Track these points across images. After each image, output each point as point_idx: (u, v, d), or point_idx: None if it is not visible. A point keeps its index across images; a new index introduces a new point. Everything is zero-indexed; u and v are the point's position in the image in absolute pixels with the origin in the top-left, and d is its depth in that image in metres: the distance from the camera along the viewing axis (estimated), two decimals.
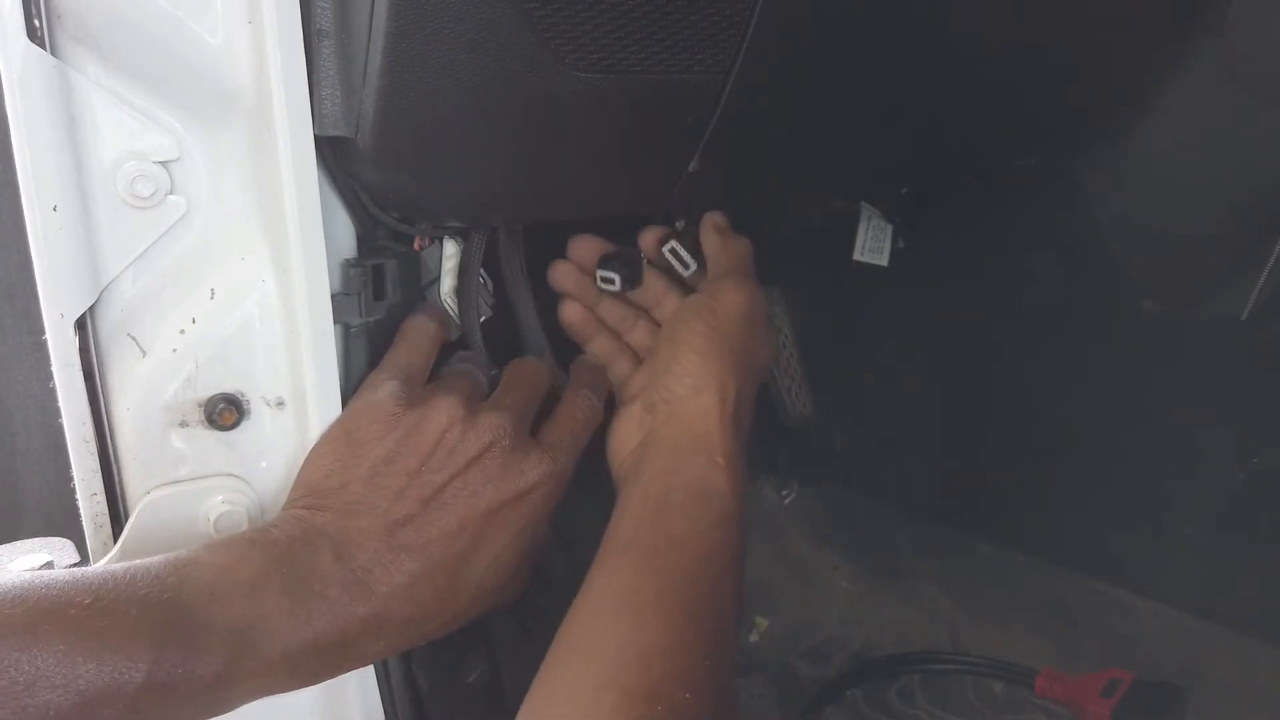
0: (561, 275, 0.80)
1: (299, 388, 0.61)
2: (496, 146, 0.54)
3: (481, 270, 0.72)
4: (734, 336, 0.73)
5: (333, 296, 0.63)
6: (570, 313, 0.80)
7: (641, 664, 0.54)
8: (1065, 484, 0.99)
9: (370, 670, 0.66)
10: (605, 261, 0.78)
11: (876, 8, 0.63)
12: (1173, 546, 0.93)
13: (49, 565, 0.54)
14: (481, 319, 0.73)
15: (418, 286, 0.70)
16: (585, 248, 0.80)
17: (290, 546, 0.55)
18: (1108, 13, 0.74)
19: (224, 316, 0.58)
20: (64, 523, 0.58)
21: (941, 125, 0.78)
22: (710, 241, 0.80)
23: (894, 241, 1.03)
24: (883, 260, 1.04)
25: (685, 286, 0.81)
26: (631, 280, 0.78)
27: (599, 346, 0.81)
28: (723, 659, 0.57)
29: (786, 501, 1.19)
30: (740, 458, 0.69)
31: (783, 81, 0.65)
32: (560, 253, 0.80)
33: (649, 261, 0.80)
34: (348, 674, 0.65)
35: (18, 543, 0.56)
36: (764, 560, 1.12)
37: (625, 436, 0.73)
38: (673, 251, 0.79)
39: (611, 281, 0.77)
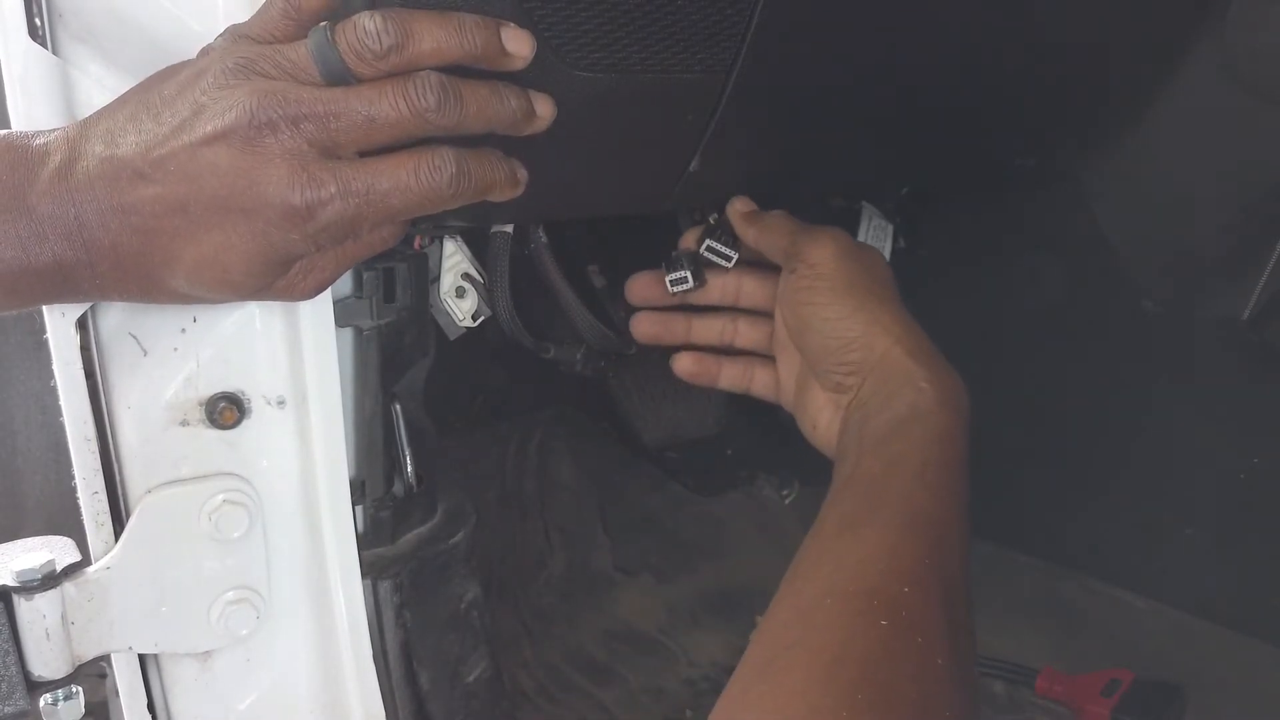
0: (648, 324, 0.81)
1: (300, 387, 0.61)
2: (497, 146, 0.54)
3: (477, 269, 0.72)
4: (853, 278, 0.72)
5: (344, 300, 0.63)
6: (687, 366, 0.82)
7: (858, 570, 0.56)
8: (1065, 484, 0.99)
9: (370, 668, 0.66)
10: (673, 264, 0.79)
11: (877, 8, 0.63)
12: (1173, 546, 0.93)
13: (50, 564, 0.54)
14: (479, 320, 0.73)
15: (426, 289, 0.70)
16: (644, 284, 0.81)
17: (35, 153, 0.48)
18: (1107, 14, 0.74)
19: (225, 315, 0.58)
20: (65, 521, 0.58)
21: (942, 126, 0.78)
22: (747, 233, 0.78)
23: (894, 241, 1.03)
24: None
25: (749, 269, 0.81)
26: (699, 276, 0.79)
27: (730, 379, 0.82)
28: (946, 561, 0.57)
29: (787, 501, 1.19)
30: (945, 373, 0.69)
31: (783, 81, 0.65)
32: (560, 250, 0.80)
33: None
34: (347, 672, 0.65)
35: (19, 541, 0.56)
36: (765, 560, 1.12)
37: (827, 422, 0.73)
38: (710, 249, 0.79)
39: (685, 280, 0.79)
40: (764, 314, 0.81)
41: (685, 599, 1.08)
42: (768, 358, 0.81)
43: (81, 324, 0.55)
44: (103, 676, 0.61)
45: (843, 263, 0.72)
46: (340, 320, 0.62)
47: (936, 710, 0.51)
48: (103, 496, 0.57)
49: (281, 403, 0.61)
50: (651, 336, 0.82)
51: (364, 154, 0.50)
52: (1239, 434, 0.88)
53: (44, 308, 0.54)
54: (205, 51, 0.51)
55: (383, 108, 0.48)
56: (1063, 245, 0.96)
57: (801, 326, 0.74)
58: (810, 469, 1.18)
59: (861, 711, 0.48)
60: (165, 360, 0.58)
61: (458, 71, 0.49)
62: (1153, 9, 0.77)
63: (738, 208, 0.79)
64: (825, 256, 0.72)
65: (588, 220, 0.87)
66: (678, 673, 1.00)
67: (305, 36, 0.49)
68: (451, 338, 0.74)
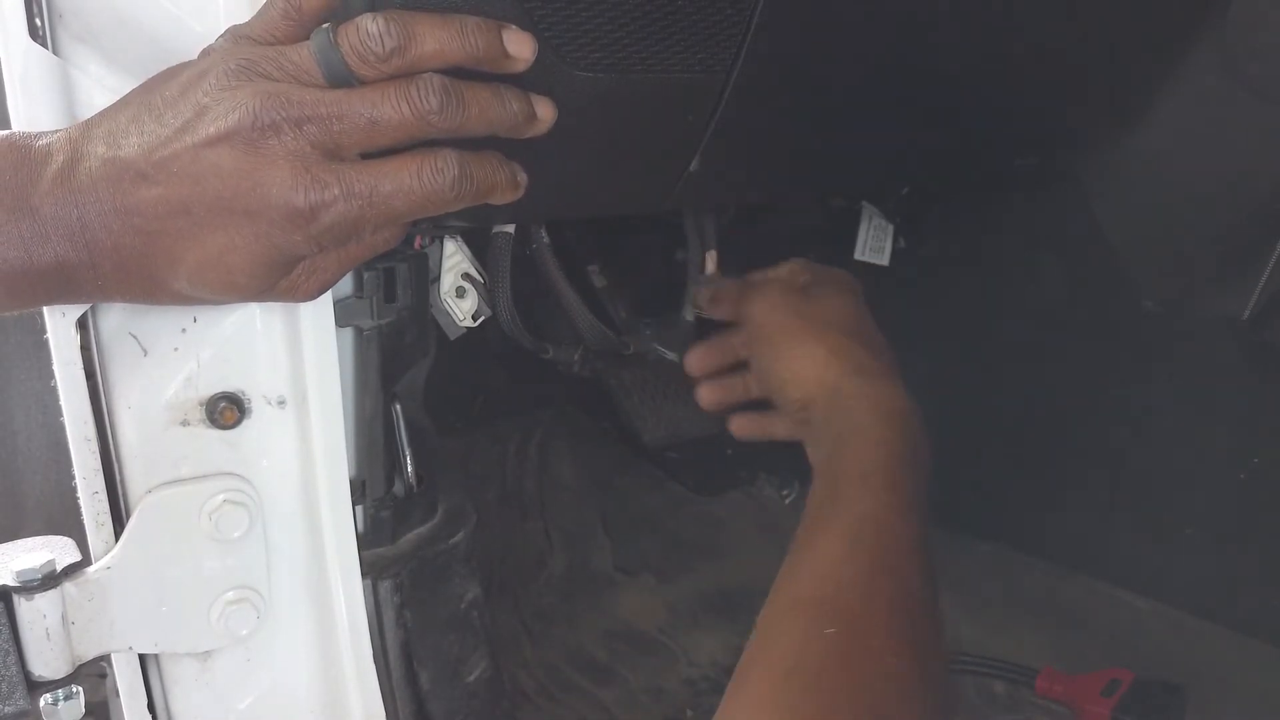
0: (710, 394, 0.86)
1: (300, 387, 0.61)
2: (497, 146, 0.54)
3: (478, 269, 0.72)
4: (782, 326, 0.79)
5: (345, 300, 0.63)
6: (744, 427, 0.87)
7: (811, 582, 0.61)
8: (1065, 484, 0.99)
9: (370, 668, 0.66)
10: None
11: (877, 8, 0.63)
12: (1173, 546, 0.93)
13: (50, 564, 0.54)
14: (479, 320, 0.73)
15: (426, 289, 0.70)
16: (699, 356, 0.86)
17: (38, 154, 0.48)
18: (1108, 14, 0.74)
19: (225, 315, 0.58)
20: (65, 521, 0.58)
21: (942, 126, 0.78)
22: (717, 310, 0.86)
23: (895, 241, 1.03)
24: (884, 260, 1.04)
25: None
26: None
27: (783, 430, 0.85)
28: (895, 563, 0.61)
29: (787, 501, 1.19)
30: (876, 385, 0.74)
31: (783, 81, 0.65)
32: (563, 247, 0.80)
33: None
34: (347, 672, 0.65)
35: (19, 541, 0.56)
36: (765, 560, 1.12)
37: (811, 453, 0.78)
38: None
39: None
40: None
41: (685, 599, 1.08)
42: None
43: (82, 324, 0.55)
44: (103, 676, 0.61)
45: (772, 315, 0.80)
46: (341, 320, 0.62)
47: (896, 709, 0.53)
48: (103, 496, 0.57)
49: (282, 403, 0.61)
50: (717, 404, 0.86)
51: (366, 156, 0.50)
52: (1239, 434, 0.88)
53: (44, 308, 0.54)
54: (207, 53, 0.51)
55: (385, 110, 0.48)
56: (1063, 245, 0.96)
57: (759, 380, 0.82)
58: (810, 469, 1.18)
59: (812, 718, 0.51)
60: (165, 360, 0.58)
61: (459, 74, 0.49)
62: (1153, 9, 0.77)
63: (703, 295, 0.87)
64: (753, 314, 0.81)
65: (588, 220, 0.88)
66: (678, 673, 1.00)
67: (306, 38, 0.49)
68: (452, 338, 0.74)
